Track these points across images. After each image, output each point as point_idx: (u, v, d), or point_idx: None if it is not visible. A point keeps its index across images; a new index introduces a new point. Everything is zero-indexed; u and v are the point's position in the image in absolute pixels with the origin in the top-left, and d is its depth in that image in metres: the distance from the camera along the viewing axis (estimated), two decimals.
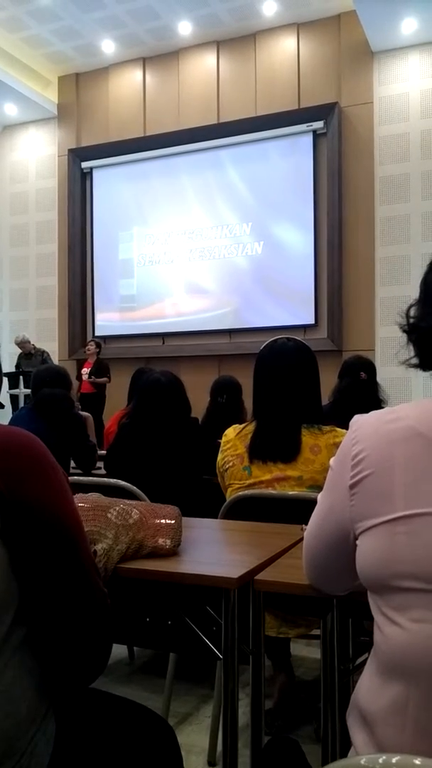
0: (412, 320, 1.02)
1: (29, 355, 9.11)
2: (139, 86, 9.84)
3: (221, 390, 3.89)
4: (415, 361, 1.03)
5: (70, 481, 2.47)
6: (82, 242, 10.22)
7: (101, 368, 8.67)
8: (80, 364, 9.30)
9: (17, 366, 9.12)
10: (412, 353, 1.03)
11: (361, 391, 3.41)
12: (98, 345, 8.95)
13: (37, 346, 9.39)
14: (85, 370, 8.72)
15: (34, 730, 0.96)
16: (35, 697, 0.98)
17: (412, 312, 1.03)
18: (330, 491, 1.02)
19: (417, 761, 0.64)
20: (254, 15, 8.74)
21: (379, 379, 3.66)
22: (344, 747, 1.24)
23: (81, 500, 1.52)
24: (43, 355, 9.13)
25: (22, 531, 0.92)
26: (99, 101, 10.13)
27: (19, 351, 9.31)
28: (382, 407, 1.36)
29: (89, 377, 8.61)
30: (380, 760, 0.65)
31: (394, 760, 0.64)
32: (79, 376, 8.76)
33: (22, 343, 9.12)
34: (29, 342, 9.21)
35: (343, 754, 1.19)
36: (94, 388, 8.56)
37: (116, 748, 1.10)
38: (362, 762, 0.67)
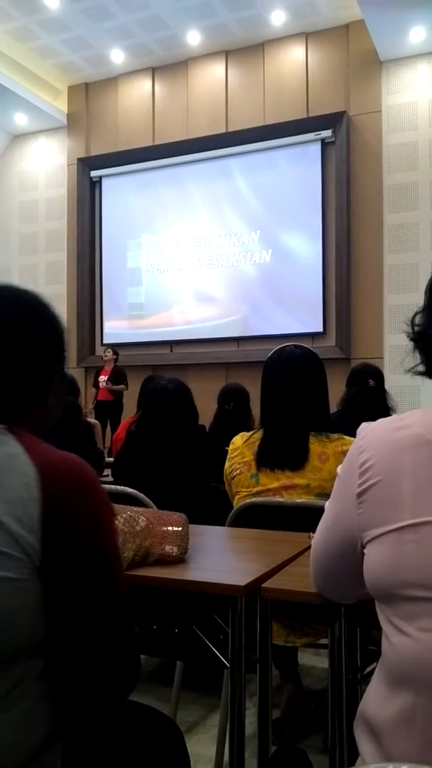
0: (417, 328, 1.02)
1: None
2: (148, 96, 9.89)
3: (229, 397, 3.88)
4: (421, 368, 1.03)
5: None
6: (90, 250, 10.26)
7: (118, 375, 8.65)
8: (89, 372, 9.32)
9: None
10: (419, 361, 1.02)
11: (370, 398, 3.39)
12: (115, 352, 8.93)
13: None
14: (103, 378, 8.70)
15: (44, 751, 0.95)
16: (50, 725, 0.96)
17: (418, 320, 1.02)
18: (337, 499, 1.02)
19: None
20: (263, 25, 8.78)
21: (387, 387, 3.64)
22: (352, 757, 1.23)
23: None
24: None
25: (62, 563, 0.88)
26: (108, 111, 10.19)
27: None
28: (391, 415, 1.35)
29: (107, 383, 8.59)
30: None
31: None
32: (96, 383, 8.75)
33: None
34: None
35: (351, 764, 1.18)
36: (112, 395, 8.55)
37: (123, 750, 1.09)
38: None
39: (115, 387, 8.54)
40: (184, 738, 1.20)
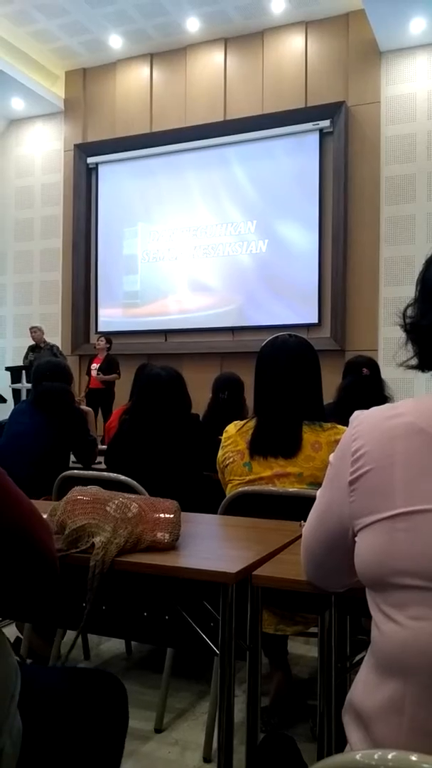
0: (409, 319, 1.01)
1: (38, 347, 8.99)
2: (145, 82, 9.83)
3: (223, 386, 3.88)
4: (414, 362, 1.02)
5: (70, 475, 2.45)
6: (86, 238, 10.21)
7: (111, 364, 8.61)
8: (83, 360, 9.30)
9: (25, 358, 9.06)
10: (411, 354, 1.02)
11: (365, 387, 3.39)
12: (108, 340, 8.88)
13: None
14: (95, 366, 8.66)
15: (6, 707, 0.98)
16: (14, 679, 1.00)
17: (410, 311, 1.02)
18: (329, 487, 1.01)
19: (413, 757, 0.63)
20: (262, 12, 8.72)
21: (383, 378, 3.63)
22: (340, 745, 1.24)
23: (80, 493, 1.52)
24: (52, 350, 9.01)
25: None
26: (106, 97, 10.13)
27: (25, 346, 9.26)
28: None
29: (98, 373, 8.56)
30: (376, 756, 0.65)
31: (389, 756, 0.64)
32: (88, 372, 8.72)
33: (36, 331, 8.98)
34: (42, 331, 9.07)
35: (339, 752, 1.18)
36: (103, 384, 8.53)
37: (69, 707, 1.15)
38: (358, 758, 0.66)
39: (106, 377, 8.49)
40: (126, 694, 1.25)
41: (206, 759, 2.04)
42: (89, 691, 1.21)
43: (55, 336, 10.11)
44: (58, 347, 9.25)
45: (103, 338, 8.90)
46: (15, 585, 0.94)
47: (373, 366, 3.56)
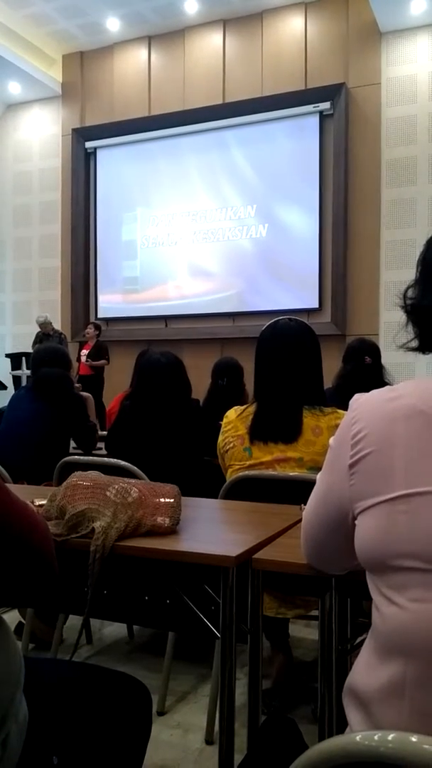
0: (410, 301, 1.00)
1: (47, 336, 9.01)
2: (144, 65, 9.74)
3: (222, 372, 3.88)
4: (414, 344, 1.01)
5: (70, 460, 2.45)
6: (85, 223, 10.16)
7: (100, 350, 8.65)
8: (82, 346, 9.29)
9: (34, 345, 9.06)
10: (411, 336, 1.01)
11: (366, 375, 3.38)
12: (97, 327, 8.90)
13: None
14: (84, 352, 8.70)
15: (11, 693, 0.99)
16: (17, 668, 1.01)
17: (410, 293, 1.01)
18: (329, 470, 1.01)
19: (413, 738, 0.63)
20: None
21: (383, 363, 3.62)
22: (341, 727, 1.24)
23: (80, 478, 1.52)
24: (60, 336, 9.04)
25: None
26: (103, 80, 10.04)
27: (24, 332, 9.24)
28: None
29: (87, 360, 8.59)
30: (376, 737, 0.65)
31: (389, 737, 0.64)
32: (78, 358, 8.73)
33: (43, 324, 9.00)
34: (51, 323, 9.09)
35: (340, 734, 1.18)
36: (92, 370, 8.55)
37: (84, 707, 1.15)
38: (358, 739, 0.66)
39: (95, 363, 8.53)
40: (150, 699, 1.25)
41: (208, 741, 2.06)
42: (109, 690, 1.21)
43: (54, 322, 10.08)
44: (65, 335, 9.23)
45: (91, 325, 8.95)
46: (16, 585, 0.97)
47: (375, 352, 3.55)
